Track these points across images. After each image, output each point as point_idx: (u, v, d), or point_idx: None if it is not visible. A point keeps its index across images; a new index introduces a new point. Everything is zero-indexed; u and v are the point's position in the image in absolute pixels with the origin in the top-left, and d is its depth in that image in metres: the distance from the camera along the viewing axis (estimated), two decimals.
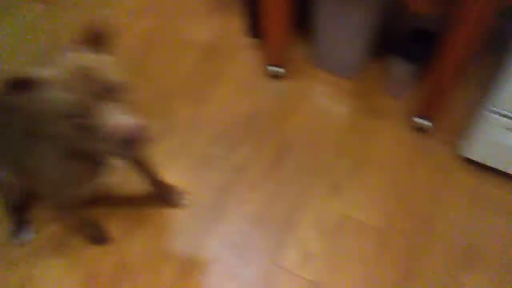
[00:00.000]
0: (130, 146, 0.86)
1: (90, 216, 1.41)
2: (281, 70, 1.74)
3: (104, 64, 0.88)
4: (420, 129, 1.62)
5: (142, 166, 1.34)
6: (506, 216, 1.45)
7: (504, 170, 1.49)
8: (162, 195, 1.47)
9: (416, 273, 1.36)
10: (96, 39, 0.90)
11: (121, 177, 1.52)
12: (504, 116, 1.34)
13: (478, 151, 1.49)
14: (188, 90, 1.74)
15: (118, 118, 0.85)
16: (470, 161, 1.54)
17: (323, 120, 1.67)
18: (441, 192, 1.51)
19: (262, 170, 1.55)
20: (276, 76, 1.76)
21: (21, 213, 1.45)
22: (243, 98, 1.72)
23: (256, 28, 1.83)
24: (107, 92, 0.85)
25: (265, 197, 1.50)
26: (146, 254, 1.40)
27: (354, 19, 1.51)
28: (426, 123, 1.60)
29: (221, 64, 1.81)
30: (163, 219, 1.46)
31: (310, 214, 1.47)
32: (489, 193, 1.50)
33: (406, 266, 1.37)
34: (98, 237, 1.42)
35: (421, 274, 1.35)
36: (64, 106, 0.83)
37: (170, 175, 1.52)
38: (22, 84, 0.83)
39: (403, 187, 1.52)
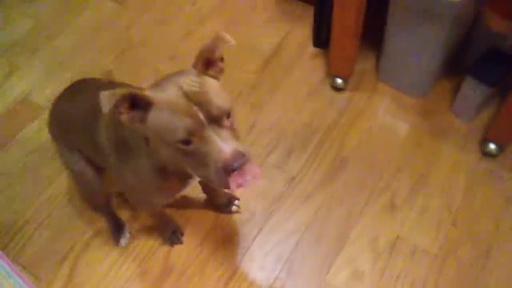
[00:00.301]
0: (234, 174, 0.83)
1: (170, 217, 1.43)
2: (344, 81, 1.70)
3: (215, 89, 0.88)
4: (488, 154, 1.53)
5: None
6: None
7: None
8: (214, 201, 1.48)
9: None
10: (208, 64, 0.91)
11: None
12: None
13: None
14: (248, 97, 1.75)
15: (228, 146, 0.83)
16: None
17: (383, 137, 1.62)
18: (504, 221, 1.42)
19: (316, 182, 1.53)
20: (338, 87, 1.73)
21: (116, 218, 1.48)
22: (303, 107, 1.71)
23: (321, 37, 1.81)
24: (217, 118, 0.84)
25: (317, 210, 1.47)
26: (192, 257, 1.41)
27: (429, 35, 1.44)
28: (495, 148, 1.51)
29: (282, 72, 1.81)
30: (213, 223, 1.47)
31: (362, 232, 1.43)
32: None
33: None
34: (175, 238, 1.43)
35: None
36: (175, 130, 0.82)
37: None
38: (137, 102, 0.84)
39: (462, 213, 1.44)
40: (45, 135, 1.67)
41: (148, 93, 0.85)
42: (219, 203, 1.47)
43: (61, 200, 1.54)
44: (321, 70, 1.79)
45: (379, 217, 1.45)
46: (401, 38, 1.53)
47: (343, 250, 1.40)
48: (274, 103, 1.73)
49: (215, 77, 0.92)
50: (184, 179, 1.06)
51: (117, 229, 1.45)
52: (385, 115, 1.67)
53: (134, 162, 1.03)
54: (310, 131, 1.65)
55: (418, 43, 1.50)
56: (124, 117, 0.85)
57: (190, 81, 0.86)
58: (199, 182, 1.39)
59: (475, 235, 1.40)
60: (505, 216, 1.43)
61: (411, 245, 1.39)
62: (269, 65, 1.83)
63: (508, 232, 1.40)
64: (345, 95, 1.73)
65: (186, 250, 1.43)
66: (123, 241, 1.43)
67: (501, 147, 1.51)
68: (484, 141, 1.53)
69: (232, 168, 0.82)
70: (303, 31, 1.89)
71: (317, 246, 1.41)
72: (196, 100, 0.83)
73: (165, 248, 1.43)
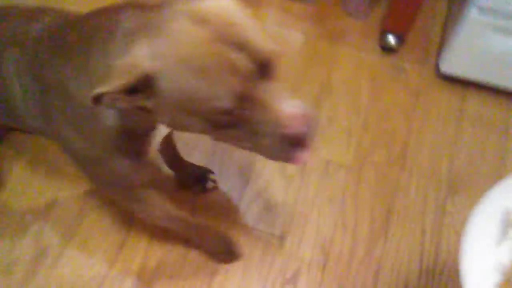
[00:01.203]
0: (299, 144, 0.59)
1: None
2: None
3: (249, 19, 0.56)
4: (388, 48, 1.40)
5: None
6: (493, 134, 1.27)
7: (488, 83, 1.29)
8: (183, 180, 1.20)
9: (394, 208, 1.17)
10: None
11: None
12: (493, 13, 1.12)
13: (457, 64, 1.28)
14: None
15: (289, 106, 0.57)
16: (448, 78, 1.34)
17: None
18: (414, 114, 1.31)
19: None
20: None
21: None
22: None
23: None
24: (267, 67, 0.55)
25: (214, 147, 1.26)
26: (72, 231, 1.15)
27: None
28: (394, 40, 1.37)
29: None
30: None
31: (268, 160, 1.24)
32: (472, 111, 1.31)
33: (382, 202, 1.18)
34: (231, 253, 1.12)
35: (400, 208, 1.17)
36: (211, 98, 0.52)
37: None
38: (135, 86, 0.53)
39: (371, 115, 1.31)
40: None
41: (146, 62, 0.52)
42: (189, 182, 1.17)
43: None
44: None
45: None
46: None
47: (253, 183, 1.21)
48: None
49: None
50: (147, 138, 0.73)
51: None
52: (275, 28, 1.47)
53: (86, 123, 0.68)
54: None
55: None
56: (124, 103, 0.55)
57: (214, 7, 0.53)
58: (160, 152, 1.08)
59: (388, 135, 1.28)
60: (414, 108, 1.32)
61: (323, 162, 1.24)
62: None
63: (420, 124, 1.29)
64: None
65: (62, 225, 1.16)
66: None
67: (400, 39, 1.38)
68: (383, 34, 1.39)
69: (301, 137, 0.58)
70: None
71: (225, 185, 1.21)
72: (232, 40, 0.52)
73: (36, 227, 1.16)
